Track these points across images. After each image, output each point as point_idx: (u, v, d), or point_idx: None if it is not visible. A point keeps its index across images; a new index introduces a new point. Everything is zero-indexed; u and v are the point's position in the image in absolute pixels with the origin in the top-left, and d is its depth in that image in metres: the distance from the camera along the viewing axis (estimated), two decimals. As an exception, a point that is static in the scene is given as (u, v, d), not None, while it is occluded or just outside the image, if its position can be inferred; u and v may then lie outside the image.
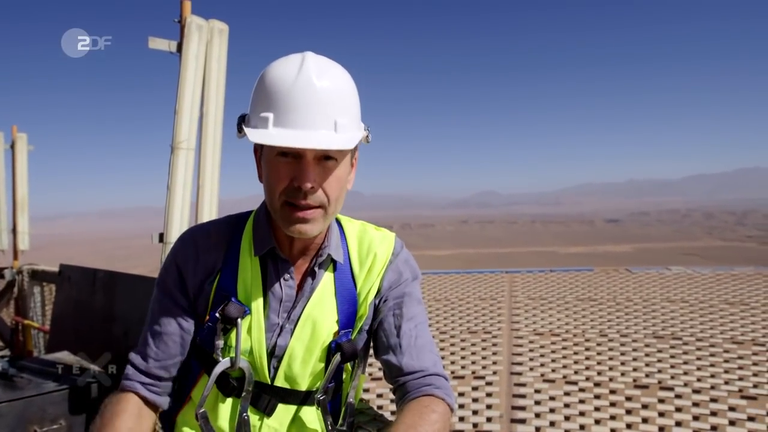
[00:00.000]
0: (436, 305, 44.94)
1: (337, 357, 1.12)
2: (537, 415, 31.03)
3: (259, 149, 1.10)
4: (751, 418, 28.66)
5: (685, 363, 36.45)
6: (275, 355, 1.14)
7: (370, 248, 1.21)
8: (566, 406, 31.90)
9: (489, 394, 33.12)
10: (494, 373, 35.42)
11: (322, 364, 1.15)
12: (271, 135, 0.97)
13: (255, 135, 0.99)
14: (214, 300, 1.13)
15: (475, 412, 31.35)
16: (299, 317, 1.14)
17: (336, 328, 1.15)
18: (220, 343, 1.11)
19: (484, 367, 36.04)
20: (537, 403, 32.17)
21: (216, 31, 2.87)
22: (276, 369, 1.14)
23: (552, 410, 31.45)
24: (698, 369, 35.66)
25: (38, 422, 2.58)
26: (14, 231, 5.72)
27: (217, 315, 1.10)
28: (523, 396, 32.88)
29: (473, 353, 37.85)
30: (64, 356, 3.26)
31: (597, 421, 31.18)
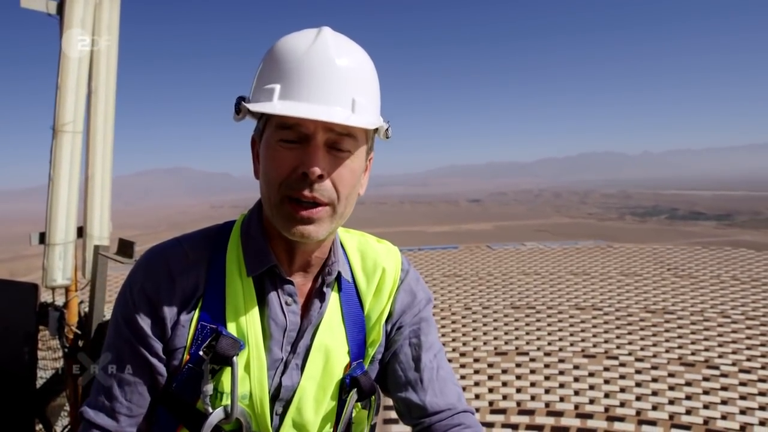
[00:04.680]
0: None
1: (354, 395, 0.95)
2: (409, 387, 32.43)
3: (258, 139, 0.91)
4: (591, 374, 32.49)
5: (538, 329, 40.34)
6: (280, 398, 0.93)
7: (376, 263, 1.04)
8: (436, 376, 33.71)
9: (364, 370, 33.91)
10: (368, 349, 36.34)
11: (334, 403, 0.96)
12: (276, 106, 0.81)
13: (256, 107, 0.83)
14: (195, 335, 0.90)
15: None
16: (308, 349, 0.94)
17: (347, 359, 0.97)
18: (209, 388, 0.87)
19: (358, 345, 36.77)
20: (409, 375, 33.63)
21: (106, -8, 2.43)
22: (280, 415, 0.94)
23: (423, 381, 33.10)
24: (549, 334, 39.65)
25: None
26: None
27: (202, 353, 0.88)
28: (396, 370, 34.20)
29: (348, 332, 38.36)
30: None
31: (463, 388, 33.23)
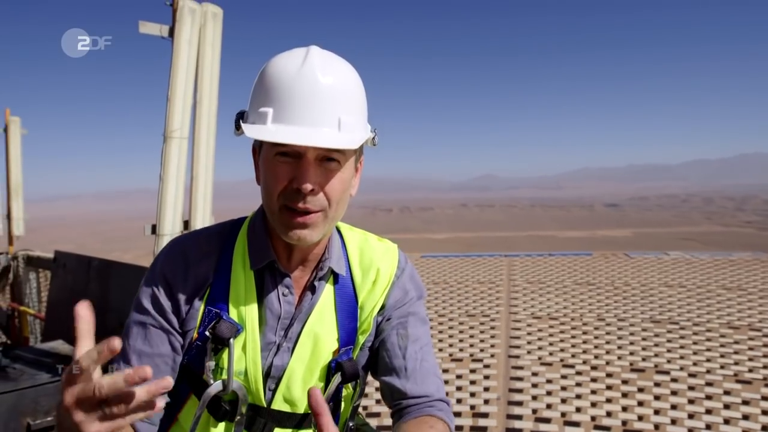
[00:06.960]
0: (434, 288, 45.13)
1: (338, 377, 1.05)
2: (534, 398, 31.31)
3: (258, 149, 1.03)
4: (745, 402, 28.93)
5: (682, 347, 36.70)
6: (272, 375, 1.06)
7: (372, 261, 1.14)
8: (563, 389, 32.17)
9: (487, 377, 33.41)
10: (492, 356, 35.68)
11: (322, 384, 1.07)
12: (270, 131, 0.91)
13: (252, 131, 0.93)
14: (203, 317, 1.04)
15: (472, 394, 31.64)
16: (299, 334, 1.06)
17: (336, 345, 1.07)
18: (211, 364, 1.02)
19: (482, 350, 36.31)
20: (534, 385, 32.46)
21: (210, 15, 2.78)
22: (273, 391, 1.06)
23: (549, 393, 31.74)
24: (694, 353, 35.91)
25: (31, 414, 2.54)
26: (8, 217, 5.67)
27: (207, 334, 1.01)
28: (520, 379, 33.17)
29: (471, 336, 38.10)
30: (59, 345, 3.22)
31: (593, 404, 31.48)
